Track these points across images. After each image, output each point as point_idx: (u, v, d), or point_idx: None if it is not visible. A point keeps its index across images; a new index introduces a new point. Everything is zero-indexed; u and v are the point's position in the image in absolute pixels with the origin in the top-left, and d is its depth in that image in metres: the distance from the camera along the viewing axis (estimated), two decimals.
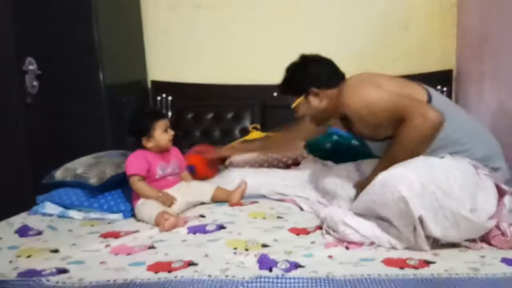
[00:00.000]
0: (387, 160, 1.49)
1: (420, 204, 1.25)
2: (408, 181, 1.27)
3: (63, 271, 1.25)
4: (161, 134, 1.80)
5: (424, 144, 1.45)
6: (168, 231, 1.55)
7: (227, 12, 3.00)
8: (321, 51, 2.86)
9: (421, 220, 1.26)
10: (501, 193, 1.43)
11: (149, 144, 1.80)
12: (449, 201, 1.26)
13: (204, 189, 1.88)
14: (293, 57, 2.92)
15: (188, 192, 1.84)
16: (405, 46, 2.86)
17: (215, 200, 1.85)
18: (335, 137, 2.21)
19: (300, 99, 1.72)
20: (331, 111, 1.69)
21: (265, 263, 1.22)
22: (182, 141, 2.59)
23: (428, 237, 1.29)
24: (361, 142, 2.29)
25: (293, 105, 1.74)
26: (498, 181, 1.46)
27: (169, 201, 1.73)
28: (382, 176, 1.34)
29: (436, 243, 1.30)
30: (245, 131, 2.81)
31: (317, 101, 1.69)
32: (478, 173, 1.44)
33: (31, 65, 2.54)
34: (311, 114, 1.74)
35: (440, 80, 2.76)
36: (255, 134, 2.73)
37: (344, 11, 2.90)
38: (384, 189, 1.31)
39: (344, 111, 1.61)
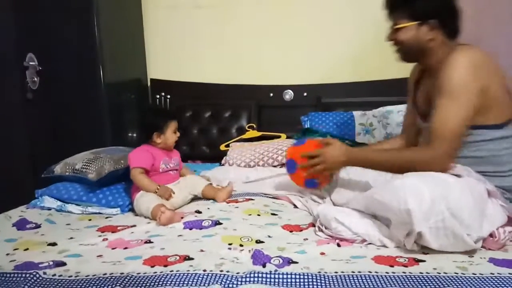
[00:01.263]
0: (385, 159, 1.49)
1: (424, 220, 1.22)
2: (420, 195, 1.23)
3: (60, 264, 1.27)
4: (171, 133, 1.87)
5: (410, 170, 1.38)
6: (164, 225, 1.57)
7: (227, 12, 3.01)
8: (319, 51, 2.92)
9: (420, 233, 1.25)
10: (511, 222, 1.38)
11: (158, 140, 1.85)
12: (455, 224, 1.23)
13: (196, 182, 1.90)
14: (291, 58, 2.96)
15: (184, 185, 1.87)
16: None
17: (204, 196, 1.88)
18: (328, 138, 2.23)
19: (412, 23, 1.47)
20: (428, 56, 1.51)
21: (259, 258, 1.24)
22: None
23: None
24: (354, 143, 2.33)
25: (400, 25, 1.49)
26: (510, 212, 1.38)
27: (167, 194, 1.75)
28: (395, 183, 1.30)
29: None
30: (241, 130, 2.83)
31: (427, 36, 1.47)
32: (493, 202, 1.36)
33: (32, 61, 2.57)
34: (410, 45, 1.50)
35: None
36: (251, 133, 2.76)
37: (342, 13, 2.92)
38: (393, 195, 1.27)
39: (436, 70, 1.45)
